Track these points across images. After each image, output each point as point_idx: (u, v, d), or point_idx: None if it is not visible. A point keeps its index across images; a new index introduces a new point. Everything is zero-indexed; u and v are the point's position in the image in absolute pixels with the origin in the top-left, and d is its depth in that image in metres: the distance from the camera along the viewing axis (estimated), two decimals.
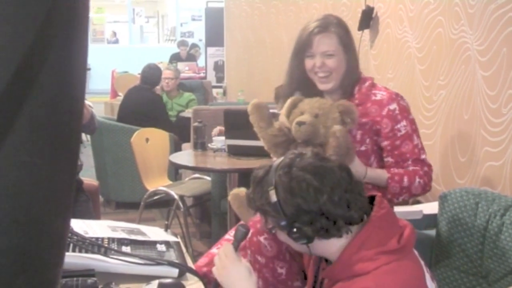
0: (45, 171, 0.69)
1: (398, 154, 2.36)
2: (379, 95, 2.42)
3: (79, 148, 0.76)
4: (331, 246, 1.77)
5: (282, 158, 1.83)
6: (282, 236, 1.84)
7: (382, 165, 2.41)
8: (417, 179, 2.34)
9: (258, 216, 2.29)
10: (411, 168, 2.36)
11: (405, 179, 2.32)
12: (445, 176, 3.00)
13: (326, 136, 2.23)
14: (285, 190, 1.73)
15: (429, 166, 2.41)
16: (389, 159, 2.38)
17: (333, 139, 2.17)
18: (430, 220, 2.49)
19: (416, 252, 1.79)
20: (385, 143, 2.37)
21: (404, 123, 2.37)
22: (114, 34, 18.71)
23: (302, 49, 2.45)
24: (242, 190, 2.45)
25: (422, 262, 1.78)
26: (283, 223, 1.75)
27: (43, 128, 0.68)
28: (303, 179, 1.72)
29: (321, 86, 2.44)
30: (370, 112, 2.38)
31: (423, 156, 2.39)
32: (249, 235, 2.05)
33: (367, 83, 2.47)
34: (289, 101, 2.41)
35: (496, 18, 2.58)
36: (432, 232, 2.33)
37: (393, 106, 2.38)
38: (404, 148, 2.36)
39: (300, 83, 2.49)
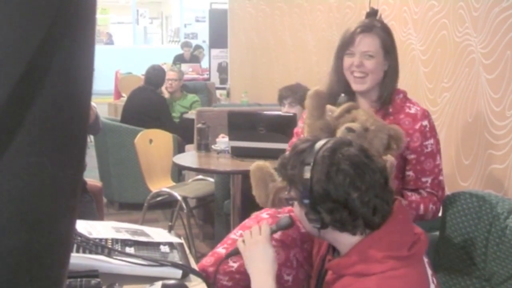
0: (53, 172, 0.70)
1: (420, 170, 2.37)
2: (413, 109, 2.42)
3: (85, 149, 0.76)
4: (342, 239, 1.76)
5: (327, 139, 1.80)
6: (298, 212, 1.83)
7: (401, 176, 2.41)
8: (431, 206, 2.36)
9: (264, 215, 2.28)
10: (427, 192, 2.37)
11: (422, 206, 2.34)
12: (449, 178, 3.00)
13: None
14: (322, 172, 1.71)
15: (443, 190, 2.42)
16: (410, 173, 2.38)
17: None
18: (433, 223, 2.49)
19: (426, 260, 1.78)
20: (411, 157, 2.37)
21: (432, 141, 2.39)
22: (109, 35, 18.67)
23: (344, 47, 2.44)
24: (267, 166, 2.40)
25: (430, 272, 1.77)
26: (306, 201, 1.74)
27: (51, 129, 0.69)
28: (343, 169, 1.70)
29: (355, 86, 2.43)
30: (403, 123, 2.38)
31: (441, 177, 2.40)
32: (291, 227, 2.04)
33: (401, 95, 2.48)
34: (345, 105, 2.37)
35: (500, 21, 2.58)
36: (436, 235, 2.33)
37: (425, 122, 2.39)
38: (427, 165, 2.36)
39: (342, 84, 2.47)
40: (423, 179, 2.37)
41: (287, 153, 1.87)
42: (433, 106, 3.14)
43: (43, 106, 0.67)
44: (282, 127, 3.75)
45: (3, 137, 0.64)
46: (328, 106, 2.38)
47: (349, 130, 2.24)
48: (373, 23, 2.44)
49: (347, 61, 2.43)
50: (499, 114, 2.57)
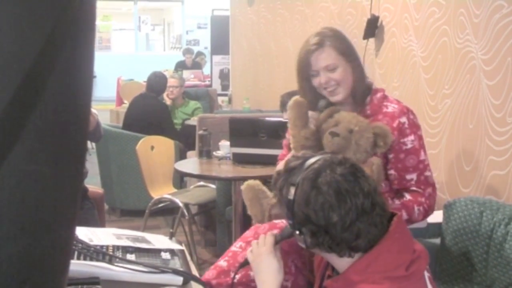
0: (52, 179, 0.70)
1: (402, 168, 2.34)
2: (391, 107, 2.42)
3: (85, 156, 0.76)
4: (334, 258, 1.76)
5: (318, 157, 1.79)
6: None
7: (385, 177, 2.40)
8: (416, 208, 2.31)
9: (263, 229, 2.29)
10: (411, 192, 2.34)
11: (404, 213, 2.29)
12: (450, 185, 3.00)
13: (356, 154, 2.21)
14: (302, 197, 1.71)
15: (433, 186, 2.37)
16: (392, 172, 2.37)
17: (367, 169, 2.04)
18: (435, 229, 2.49)
19: (427, 275, 1.75)
20: (390, 156, 2.36)
21: (411, 137, 2.36)
22: (101, 40, 18.67)
23: (305, 69, 2.45)
24: (258, 183, 2.43)
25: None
26: (290, 221, 1.76)
27: (50, 136, 0.69)
28: (322, 194, 1.68)
29: (332, 99, 2.44)
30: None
31: (427, 173, 2.36)
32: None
33: (378, 95, 2.47)
34: (327, 110, 2.38)
35: (501, 27, 2.58)
36: (437, 241, 2.33)
37: (404, 119, 2.38)
38: (409, 162, 2.34)
39: (315, 101, 2.47)
40: (407, 177, 2.34)
41: (281, 169, 1.88)
42: (434, 112, 3.14)
43: (43, 114, 0.68)
44: (284, 133, 3.75)
45: (3, 145, 0.64)
46: (310, 113, 2.39)
47: (333, 134, 2.25)
48: (324, 35, 2.43)
49: (315, 81, 2.44)
50: (500, 120, 2.57)
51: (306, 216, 1.70)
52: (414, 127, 2.39)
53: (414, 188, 2.33)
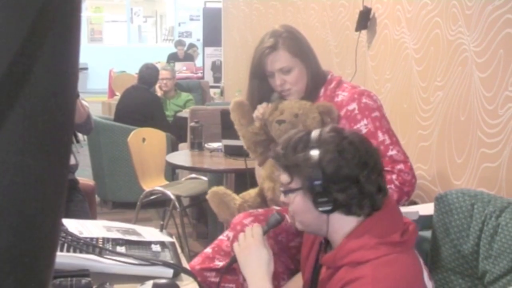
0: (37, 171, 0.69)
1: None
2: (341, 96, 2.42)
3: (70, 148, 0.75)
4: (341, 226, 1.76)
5: (321, 128, 1.84)
6: (301, 203, 1.80)
7: None
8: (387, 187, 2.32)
9: (238, 218, 2.30)
10: None
11: None
12: (442, 177, 3.00)
13: None
14: (333, 150, 1.72)
15: (403, 161, 2.37)
16: None
17: None
18: (426, 221, 2.48)
19: (416, 252, 1.80)
20: None
21: (364, 122, 2.35)
22: (93, 32, 18.59)
23: (259, 70, 2.46)
24: (221, 188, 2.48)
25: (422, 261, 1.79)
26: (317, 182, 1.72)
27: (35, 128, 0.68)
28: (354, 143, 1.74)
29: (288, 98, 2.46)
30: None
31: (391, 152, 2.35)
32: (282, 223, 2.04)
33: (332, 84, 2.47)
34: (272, 104, 2.42)
35: (493, 19, 2.57)
36: (428, 233, 2.33)
37: (352, 106, 2.37)
38: None
39: (262, 102, 2.49)
40: None
41: (279, 146, 1.86)
42: (426, 104, 3.14)
43: (27, 104, 0.66)
44: None
45: None
46: (261, 105, 2.42)
47: (280, 122, 2.29)
48: (278, 36, 2.44)
49: (271, 82, 2.47)
50: (491, 113, 2.57)
51: (337, 168, 1.71)
52: (367, 110, 2.37)
53: None
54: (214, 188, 2.50)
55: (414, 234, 1.79)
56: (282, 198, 1.88)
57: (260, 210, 2.36)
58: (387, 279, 1.64)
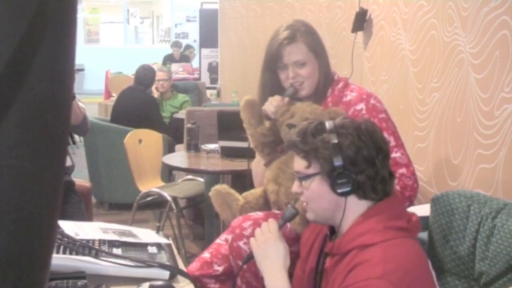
0: (33, 174, 0.69)
1: None
2: (349, 96, 2.44)
3: (66, 150, 0.75)
4: (352, 211, 1.81)
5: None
6: (316, 187, 1.83)
7: None
8: None
9: (237, 222, 2.30)
10: None
11: None
12: (438, 178, 3.00)
13: None
14: (352, 134, 1.79)
15: (406, 166, 2.39)
16: None
17: None
18: (422, 223, 2.48)
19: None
20: None
21: None
22: (90, 33, 18.57)
23: (274, 61, 2.45)
24: (224, 187, 2.46)
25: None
26: (338, 163, 1.77)
27: (31, 131, 0.68)
28: (369, 129, 1.82)
29: (301, 91, 2.45)
30: None
31: (395, 154, 2.37)
32: (296, 217, 2.05)
33: (340, 85, 2.48)
34: (285, 99, 2.41)
35: (489, 21, 2.58)
36: (424, 235, 2.33)
37: (360, 106, 2.39)
38: None
39: (274, 94, 2.48)
40: None
41: (295, 135, 1.88)
42: (422, 106, 3.14)
43: (23, 107, 0.66)
44: None
45: None
46: (273, 98, 2.41)
47: (290, 126, 2.29)
48: (296, 29, 2.45)
49: (282, 74, 2.46)
50: (487, 114, 2.58)
51: (357, 150, 1.77)
52: (374, 111, 2.40)
53: None
54: (218, 187, 2.49)
55: (418, 224, 1.85)
56: (295, 186, 1.89)
57: (260, 214, 2.35)
58: (396, 259, 1.67)
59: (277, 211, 2.40)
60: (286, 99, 2.41)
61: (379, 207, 1.80)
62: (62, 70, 0.71)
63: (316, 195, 1.85)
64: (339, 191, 1.79)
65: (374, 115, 2.38)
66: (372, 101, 2.41)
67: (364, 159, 1.78)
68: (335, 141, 1.78)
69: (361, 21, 3.85)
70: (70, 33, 0.71)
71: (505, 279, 1.95)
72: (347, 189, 1.78)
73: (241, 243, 2.25)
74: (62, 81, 0.71)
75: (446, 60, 2.91)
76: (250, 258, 1.98)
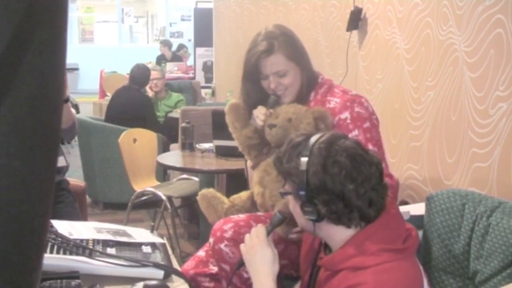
0: (24, 174, 0.68)
1: None
2: (333, 102, 2.38)
3: (58, 149, 0.74)
4: (336, 233, 1.77)
5: (322, 132, 1.84)
6: (293, 207, 1.85)
7: None
8: None
9: (218, 224, 2.30)
10: None
11: None
12: (433, 177, 3.00)
13: None
14: (318, 163, 1.73)
15: (388, 176, 2.34)
16: None
17: None
18: (417, 221, 2.48)
19: (416, 258, 1.80)
20: None
21: (356, 132, 2.33)
22: (84, 32, 18.52)
23: (254, 72, 2.42)
24: (211, 191, 2.48)
25: (421, 268, 1.79)
26: (302, 192, 1.75)
27: (21, 130, 0.67)
28: (340, 160, 1.72)
29: (283, 99, 2.43)
30: None
31: None
32: (284, 222, 2.04)
33: (323, 88, 2.44)
34: (270, 108, 2.41)
35: (484, 19, 2.58)
36: (419, 234, 2.33)
37: (345, 115, 2.34)
38: None
39: (257, 103, 2.46)
40: None
41: (283, 147, 1.88)
42: (417, 104, 3.14)
43: (14, 107, 0.66)
44: None
45: None
46: (258, 108, 2.40)
47: (271, 126, 2.28)
48: (273, 38, 2.39)
49: (264, 84, 2.44)
50: (482, 113, 2.58)
51: (322, 184, 1.72)
52: (359, 120, 2.34)
53: None
54: (204, 191, 2.50)
55: (416, 240, 1.80)
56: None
57: (242, 216, 2.35)
58: (388, 285, 1.64)
59: (260, 213, 2.39)
60: (271, 110, 2.39)
61: (371, 228, 1.75)
62: (53, 70, 0.70)
63: (294, 213, 1.87)
64: (306, 217, 1.78)
65: (359, 125, 2.34)
66: (356, 109, 2.35)
67: (329, 191, 1.72)
68: (303, 168, 1.75)
69: (356, 20, 3.85)
70: (61, 32, 0.71)
71: (499, 278, 1.95)
72: (314, 217, 1.76)
73: (222, 246, 2.24)
74: (53, 81, 0.70)
75: (441, 58, 2.91)
76: (241, 264, 1.98)
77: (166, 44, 12.07)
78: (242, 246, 1.96)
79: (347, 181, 1.71)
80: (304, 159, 1.75)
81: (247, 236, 1.96)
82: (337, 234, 1.77)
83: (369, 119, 2.37)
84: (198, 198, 2.50)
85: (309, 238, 2.02)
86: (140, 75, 6.25)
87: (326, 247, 1.89)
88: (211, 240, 2.30)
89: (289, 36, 2.44)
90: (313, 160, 1.74)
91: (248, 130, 2.45)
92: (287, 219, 2.01)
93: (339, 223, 1.75)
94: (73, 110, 3.18)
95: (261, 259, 1.89)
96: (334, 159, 1.73)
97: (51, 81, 0.70)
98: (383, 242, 1.71)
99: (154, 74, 6.76)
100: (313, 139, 1.79)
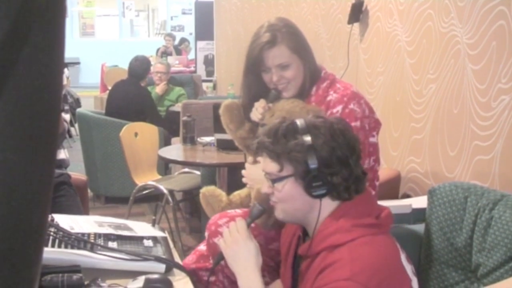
0: (22, 168, 0.67)
1: None
2: (331, 96, 2.35)
3: (56, 143, 0.74)
4: (324, 211, 1.78)
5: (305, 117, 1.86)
6: (291, 190, 1.80)
7: None
8: None
9: (213, 219, 2.31)
10: None
11: None
12: (435, 170, 2.99)
13: None
14: (325, 133, 1.75)
15: (373, 187, 2.34)
16: None
17: None
18: (419, 215, 2.48)
19: (404, 256, 1.80)
20: None
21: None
22: (85, 26, 18.49)
23: (256, 64, 2.39)
24: (209, 189, 2.48)
25: (399, 245, 1.79)
26: (313, 166, 1.74)
27: (19, 124, 0.66)
28: (341, 128, 1.78)
29: (282, 95, 2.41)
30: None
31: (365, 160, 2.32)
32: (264, 213, 2.01)
33: (325, 83, 2.41)
34: (269, 104, 2.39)
35: (486, 11, 2.57)
36: (421, 227, 2.32)
37: (337, 109, 2.31)
38: None
39: (258, 96, 2.43)
40: None
41: (265, 136, 1.84)
42: (419, 97, 3.13)
43: (11, 100, 0.65)
44: None
45: None
46: (258, 102, 2.38)
47: (263, 126, 2.26)
48: (276, 30, 2.36)
49: (266, 77, 2.40)
50: (484, 105, 2.57)
51: (331, 151, 1.74)
52: (349, 117, 2.28)
53: None
54: (203, 189, 2.52)
55: (388, 218, 1.81)
56: (266, 187, 1.86)
57: (238, 211, 2.36)
58: (364, 258, 1.65)
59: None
60: (270, 104, 2.36)
61: (346, 205, 1.78)
62: (51, 63, 0.69)
63: (289, 197, 1.81)
64: (314, 194, 1.76)
65: (353, 119, 2.30)
66: (351, 106, 2.31)
67: (339, 160, 1.74)
68: (309, 143, 1.74)
69: (357, 13, 3.83)
70: (59, 24, 0.70)
71: (502, 271, 1.95)
72: (323, 191, 1.75)
73: (216, 240, 2.24)
74: (51, 74, 0.69)
75: (443, 51, 2.90)
76: (220, 259, 1.96)
77: (172, 37, 12.08)
78: (221, 241, 1.92)
79: (350, 150, 1.77)
80: (306, 135, 1.75)
81: (225, 231, 1.92)
82: (323, 212, 1.78)
83: (360, 119, 2.32)
84: (200, 196, 2.53)
85: (287, 239, 2.00)
86: (138, 67, 6.16)
87: (304, 238, 1.88)
88: (206, 234, 2.31)
89: (292, 29, 2.42)
90: (318, 131, 1.76)
91: (242, 131, 2.44)
92: (266, 210, 1.99)
93: (337, 197, 1.78)
94: (65, 117, 3.17)
95: (246, 254, 1.86)
96: (337, 125, 1.78)
97: (50, 74, 0.69)
98: (355, 218, 1.74)
99: (159, 67, 6.73)
100: (300, 120, 1.81)
